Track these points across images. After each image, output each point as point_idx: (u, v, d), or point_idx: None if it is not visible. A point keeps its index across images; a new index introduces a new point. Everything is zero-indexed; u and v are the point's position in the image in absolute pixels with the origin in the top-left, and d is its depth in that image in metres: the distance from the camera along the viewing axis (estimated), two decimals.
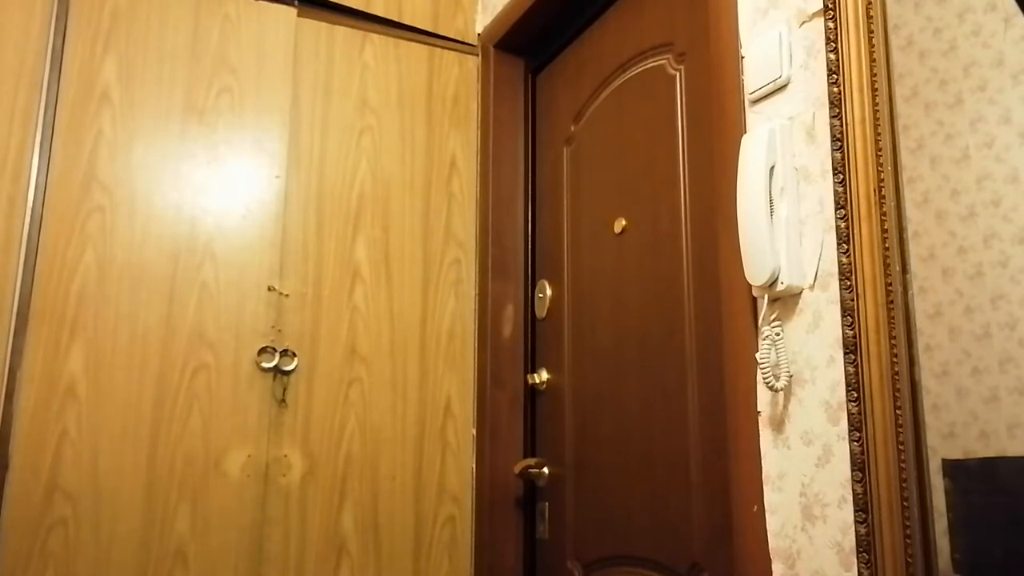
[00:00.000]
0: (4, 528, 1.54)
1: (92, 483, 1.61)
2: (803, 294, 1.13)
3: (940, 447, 0.93)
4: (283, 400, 1.78)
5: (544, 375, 1.90)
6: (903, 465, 0.94)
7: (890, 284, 0.98)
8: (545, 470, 1.84)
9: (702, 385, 1.39)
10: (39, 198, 1.65)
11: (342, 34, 2.00)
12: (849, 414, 1.01)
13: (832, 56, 1.09)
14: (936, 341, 0.95)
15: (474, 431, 1.94)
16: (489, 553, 1.86)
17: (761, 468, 1.17)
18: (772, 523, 1.14)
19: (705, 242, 1.41)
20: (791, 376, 1.13)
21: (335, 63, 1.98)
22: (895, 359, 0.97)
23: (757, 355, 1.15)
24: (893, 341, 0.97)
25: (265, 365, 1.76)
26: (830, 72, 1.09)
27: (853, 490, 1.00)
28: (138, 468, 1.64)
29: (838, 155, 1.07)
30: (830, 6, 1.10)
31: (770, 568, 1.13)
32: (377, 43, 2.04)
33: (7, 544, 1.53)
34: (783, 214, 1.14)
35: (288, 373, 1.79)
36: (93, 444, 1.62)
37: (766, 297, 1.17)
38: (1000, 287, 0.90)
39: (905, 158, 1.01)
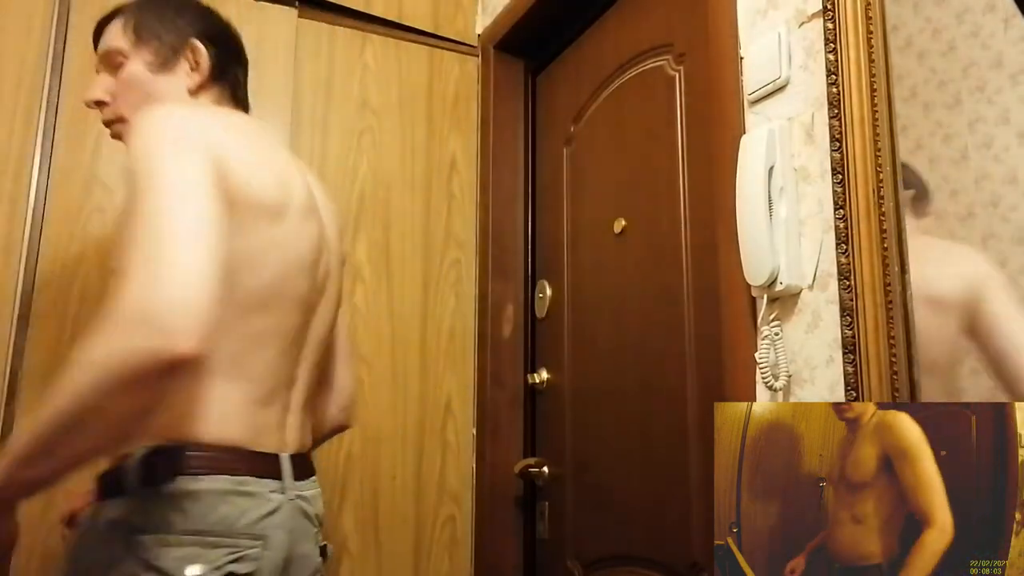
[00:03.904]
0: None
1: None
2: (802, 294, 1.13)
3: None
4: None
5: (544, 375, 1.91)
6: None
7: (889, 284, 0.99)
8: (545, 470, 1.84)
9: (702, 385, 1.39)
10: (41, 198, 1.66)
11: (342, 35, 2.01)
12: None
13: (831, 57, 1.09)
14: None
15: (474, 431, 1.94)
16: (489, 553, 1.87)
17: None
18: None
19: (704, 242, 1.41)
20: (790, 376, 1.13)
21: (335, 64, 1.99)
22: (894, 359, 0.97)
23: (756, 355, 1.16)
24: (892, 341, 0.98)
25: None
26: (829, 73, 1.10)
27: None
28: None
29: (837, 155, 1.07)
30: (829, 7, 1.10)
31: None
32: (377, 44, 2.04)
33: None
34: (782, 214, 1.15)
35: None
36: None
37: (765, 297, 1.17)
38: None
39: (904, 158, 1.01)
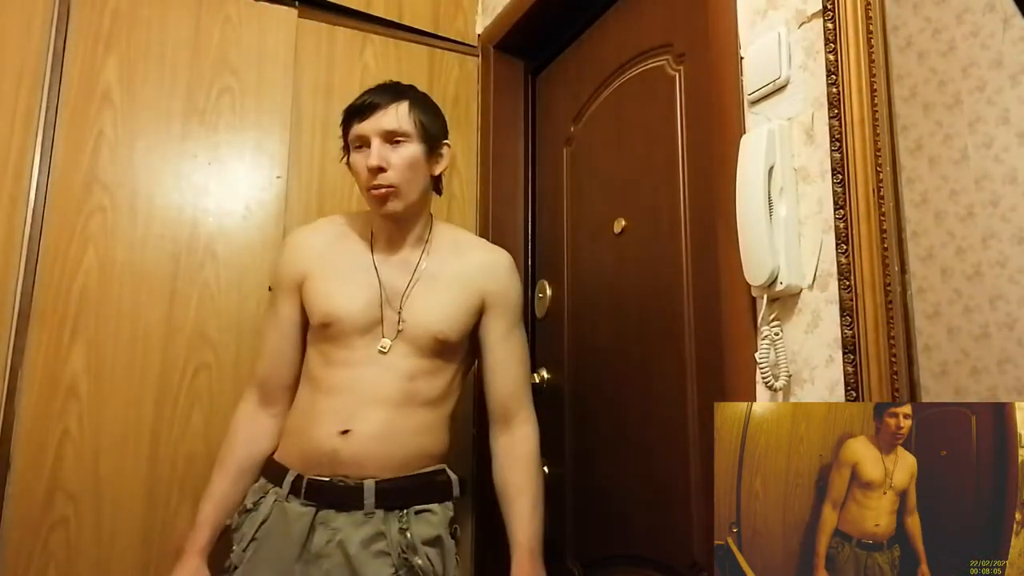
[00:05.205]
0: (5, 527, 1.54)
1: (93, 482, 1.61)
2: (802, 294, 1.13)
3: None
4: None
5: (544, 375, 1.91)
6: None
7: (889, 284, 0.99)
8: (545, 469, 1.83)
9: (702, 385, 1.39)
10: (41, 198, 1.66)
11: (343, 35, 2.01)
12: None
13: (831, 57, 1.09)
14: (935, 341, 0.96)
15: (474, 430, 1.94)
16: (489, 553, 1.86)
17: None
18: None
19: (705, 242, 1.41)
20: (790, 376, 1.13)
21: (336, 64, 1.99)
22: (894, 359, 0.97)
23: (756, 355, 1.16)
24: (892, 341, 0.98)
25: None
26: (829, 73, 1.10)
27: None
28: (139, 467, 1.64)
29: (837, 155, 1.07)
30: (829, 7, 1.10)
31: None
32: (377, 44, 2.04)
33: (9, 543, 1.54)
34: (782, 214, 1.15)
35: None
36: (94, 444, 1.62)
37: (765, 297, 1.17)
38: (999, 287, 0.90)
39: (904, 158, 1.01)
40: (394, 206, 1.49)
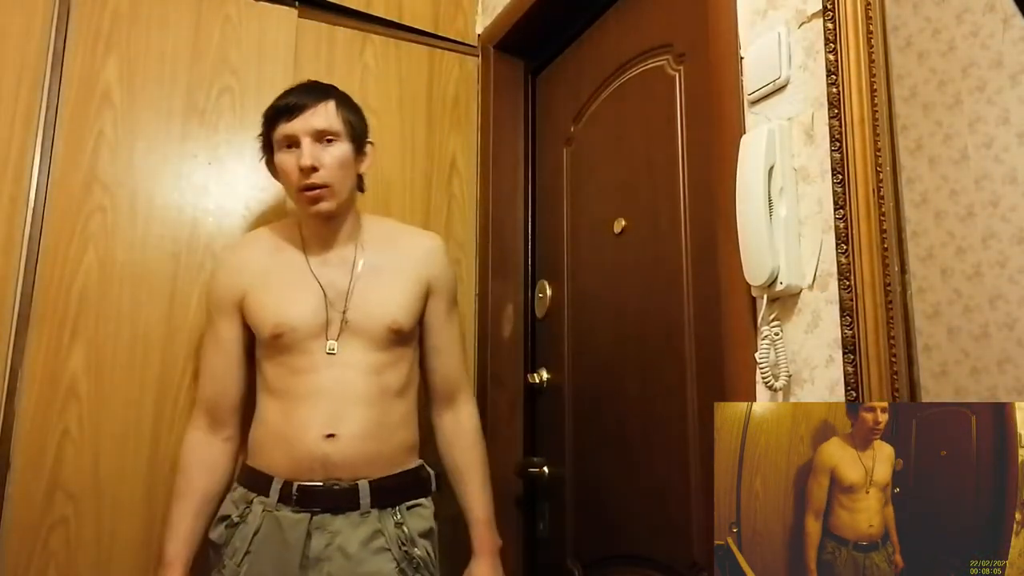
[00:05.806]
0: (5, 527, 1.54)
1: (93, 482, 1.61)
2: (802, 294, 1.13)
3: None
4: None
5: (544, 375, 1.91)
6: None
7: (889, 284, 0.99)
8: (545, 469, 1.84)
9: (702, 385, 1.39)
10: (40, 198, 1.66)
11: (343, 35, 2.01)
12: None
13: (831, 57, 1.09)
14: (935, 341, 0.96)
15: None
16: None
17: None
18: None
19: (705, 242, 1.41)
20: (790, 376, 1.13)
21: (336, 64, 1.99)
22: (894, 359, 0.97)
23: (756, 355, 1.16)
24: (892, 341, 0.98)
25: None
26: (829, 73, 1.10)
27: None
28: (139, 467, 1.64)
29: (837, 155, 1.07)
30: (829, 7, 1.10)
31: None
32: (377, 44, 2.04)
33: (8, 543, 1.54)
34: (782, 214, 1.15)
35: None
36: (94, 444, 1.62)
37: (765, 297, 1.17)
38: (999, 287, 0.90)
39: (904, 158, 1.01)
40: (327, 205, 1.49)
